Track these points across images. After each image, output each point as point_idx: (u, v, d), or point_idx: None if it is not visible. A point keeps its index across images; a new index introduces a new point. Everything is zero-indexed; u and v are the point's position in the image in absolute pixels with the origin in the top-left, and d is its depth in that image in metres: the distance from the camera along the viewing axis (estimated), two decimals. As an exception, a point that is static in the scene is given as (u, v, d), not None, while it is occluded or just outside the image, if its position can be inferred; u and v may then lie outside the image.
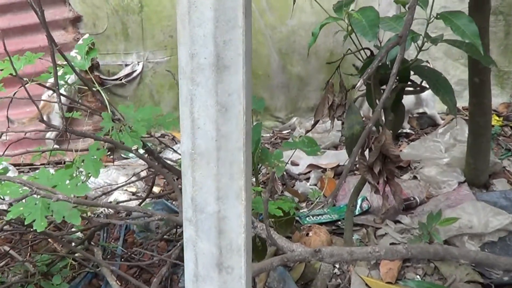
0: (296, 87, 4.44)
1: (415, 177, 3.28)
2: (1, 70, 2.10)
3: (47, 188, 1.82)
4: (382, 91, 2.31)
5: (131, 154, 3.79)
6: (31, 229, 1.93)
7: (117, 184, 3.34)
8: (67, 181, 1.94)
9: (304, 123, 4.36)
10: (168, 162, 2.87)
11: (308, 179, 3.50)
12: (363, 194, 2.86)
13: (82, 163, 2.16)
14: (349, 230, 2.61)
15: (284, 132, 4.44)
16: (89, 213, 2.87)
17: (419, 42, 2.22)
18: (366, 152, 2.22)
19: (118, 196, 3.32)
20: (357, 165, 2.38)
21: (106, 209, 3.11)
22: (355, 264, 2.52)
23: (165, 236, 2.79)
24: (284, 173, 3.42)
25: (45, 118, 2.23)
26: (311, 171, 3.56)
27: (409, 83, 2.41)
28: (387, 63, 2.27)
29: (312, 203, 3.14)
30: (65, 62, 2.10)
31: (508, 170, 3.28)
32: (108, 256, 2.74)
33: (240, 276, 1.22)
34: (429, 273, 2.48)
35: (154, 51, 4.32)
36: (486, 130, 2.94)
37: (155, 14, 4.25)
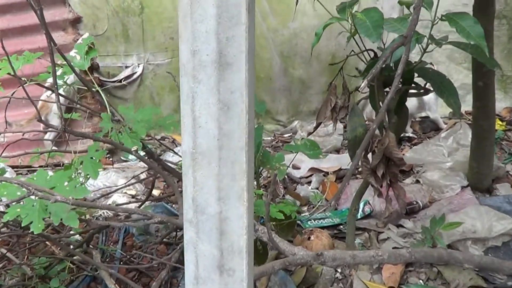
0: (297, 90, 4.42)
1: (417, 181, 3.27)
2: (-1, 69, 2.08)
3: (45, 190, 1.78)
4: (385, 93, 2.29)
5: (130, 157, 3.79)
6: (29, 232, 1.90)
7: (117, 186, 3.31)
8: (66, 183, 1.91)
9: (306, 126, 4.35)
10: (169, 164, 2.85)
11: (309, 182, 3.49)
12: (365, 198, 2.85)
13: (81, 165, 2.13)
14: (351, 234, 2.59)
15: (285, 135, 4.42)
16: (87, 216, 2.85)
17: (423, 44, 2.19)
18: (369, 155, 2.21)
19: (117, 199, 3.30)
20: (360, 168, 2.36)
21: (105, 211, 3.10)
22: (357, 268, 2.50)
23: (164, 239, 2.77)
24: (286, 176, 3.40)
25: (43, 119, 2.20)
26: (312, 174, 3.54)
27: (412, 85, 2.38)
28: (391, 65, 2.25)
29: (313, 207, 3.11)
30: (64, 62, 2.07)
31: (512, 175, 3.26)
32: (107, 259, 2.72)
33: (241, 278, 1.21)
34: (432, 278, 2.46)
35: (154, 53, 4.31)
36: (490, 134, 2.92)
37: (156, 15, 4.24)
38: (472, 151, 3.04)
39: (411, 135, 3.99)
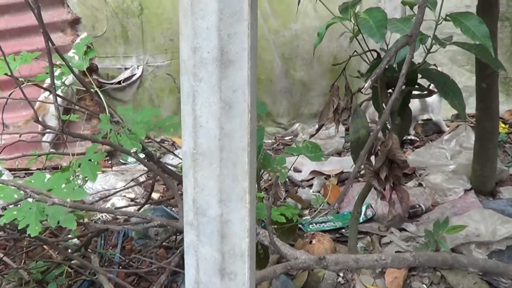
0: (299, 92, 4.41)
1: (420, 184, 3.25)
2: (-4, 69, 2.05)
3: (42, 192, 1.78)
4: (388, 94, 2.27)
5: (130, 159, 3.77)
6: (26, 235, 1.89)
7: (115, 189, 3.29)
8: (63, 185, 1.91)
9: (307, 129, 4.33)
10: (168, 167, 2.82)
11: (311, 186, 3.47)
12: (367, 201, 2.82)
13: (79, 167, 2.12)
14: (354, 238, 2.57)
15: (286, 138, 4.41)
16: (86, 219, 2.82)
17: (427, 44, 2.17)
18: (372, 158, 2.18)
19: (116, 202, 3.29)
20: (362, 171, 2.34)
21: (103, 215, 3.08)
22: (360, 272, 2.48)
23: (164, 243, 2.75)
24: (287, 179, 3.38)
25: (40, 120, 2.18)
26: (314, 177, 3.53)
27: (416, 86, 2.36)
28: (394, 65, 2.23)
29: (315, 210, 3.09)
30: (63, 63, 2.05)
31: (515, 178, 3.24)
32: (106, 264, 2.70)
33: (243, 282, 1.19)
34: (436, 282, 2.44)
35: (154, 55, 4.30)
36: (493, 136, 2.90)
37: (156, 16, 4.23)
38: (475, 154, 3.02)
39: (413, 137, 3.97)
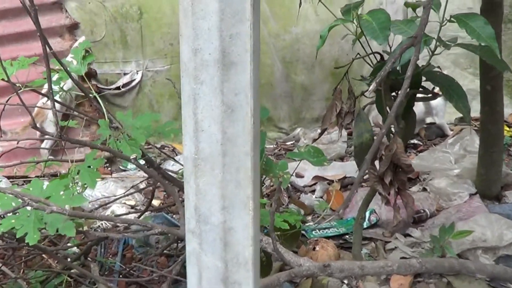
0: (300, 97, 4.39)
1: (424, 189, 3.23)
2: (-7, 74, 2.03)
3: (40, 200, 1.76)
4: (392, 97, 2.24)
5: (129, 166, 3.75)
6: (25, 244, 1.86)
7: (115, 196, 3.26)
8: (62, 192, 1.88)
9: (309, 134, 4.32)
10: (169, 173, 2.80)
11: (313, 191, 3.44)
12: (371, 207, 2.80)
13: (78, 174, 2.09)
14: (358, 244, 2.54)
15: (288, 143, 4.38)
16: (85, 227, 2.79)
17: (432, 46, 2.14)
18: (376, 162, 2.16)
19: (116, 209, 3.26)
20: (366, 176, 2.31)
21: (103, 222, 3.06)
22: (364, 279, 2.45)
23: (165, 251, 2.72)
24: (289, 185, 3.35)
25: (38, 126, 2.16)
26: (316, 183, 3.50)
27: (420, 89, 2.33)
28: (398, 68, 2.20)
29: (318, 216, 3.07)
30: (61, 68, 2.02)
31: (520, 182, 3.21)
32: (106, 272, 2.67)
33: None
34: (442, 289, 2.40)
35: (153, 60, 4.27)
36: (498, 139, 2.88)
37: (155, 21, 4.22)
38: (480, 157, 2.99)
39: (416, 141, 3.96)
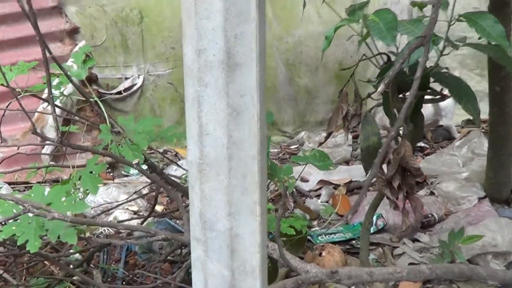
0: (304, 100, 4.36)
1: (432, 193, 3.19)
2: (-8, 80, 2.00)
3: (41, 206, 1.74)
4: (400, 99, 2.20)
5: (132, 171, 3.72)
6: (26, 251, 1.84)
7: (118, 202, 3.23)
8: (63, 198, 1.87)
9: (313, 137, 4.28)
10: (172, 178, 2.77)
11: (319, 196, 3.40)
12: (378, 211, 2.75)
13: (80, 180, 2.08)
14: (365, 250, 2.50)
15: (292, 147, 4.34)
16: (87, 233, 2.77)
17: (440, 46, 2.10)
18: (384, 166, 2.11)
19: (119, 215, 3.23)
20: (373, 180, 2.27)
21: (106, 229, 3.03)
22: (372, 286, 2.40)
23: (169, 257, 2.69)
24: (294, 189, 3.31)
25: (38, 131, 2.14)
26: (322, 187, 3.46)
27: (428, 90, 2.29)
28: (405, 69, 2.16)
29: (324, 221, 3.03)
30: (61, 72, 1.99)
31: (530, 185, 3.16)
32: (109, 279, 2.64)
33: None
34: (451, 295, 2.36)
35: (155, 64, 4.25)
36: (508, 141, 2.84)
37: (156, 25, 4.20)
38: (488, 160, 2.96)
39: (423, 144, 3.92)
